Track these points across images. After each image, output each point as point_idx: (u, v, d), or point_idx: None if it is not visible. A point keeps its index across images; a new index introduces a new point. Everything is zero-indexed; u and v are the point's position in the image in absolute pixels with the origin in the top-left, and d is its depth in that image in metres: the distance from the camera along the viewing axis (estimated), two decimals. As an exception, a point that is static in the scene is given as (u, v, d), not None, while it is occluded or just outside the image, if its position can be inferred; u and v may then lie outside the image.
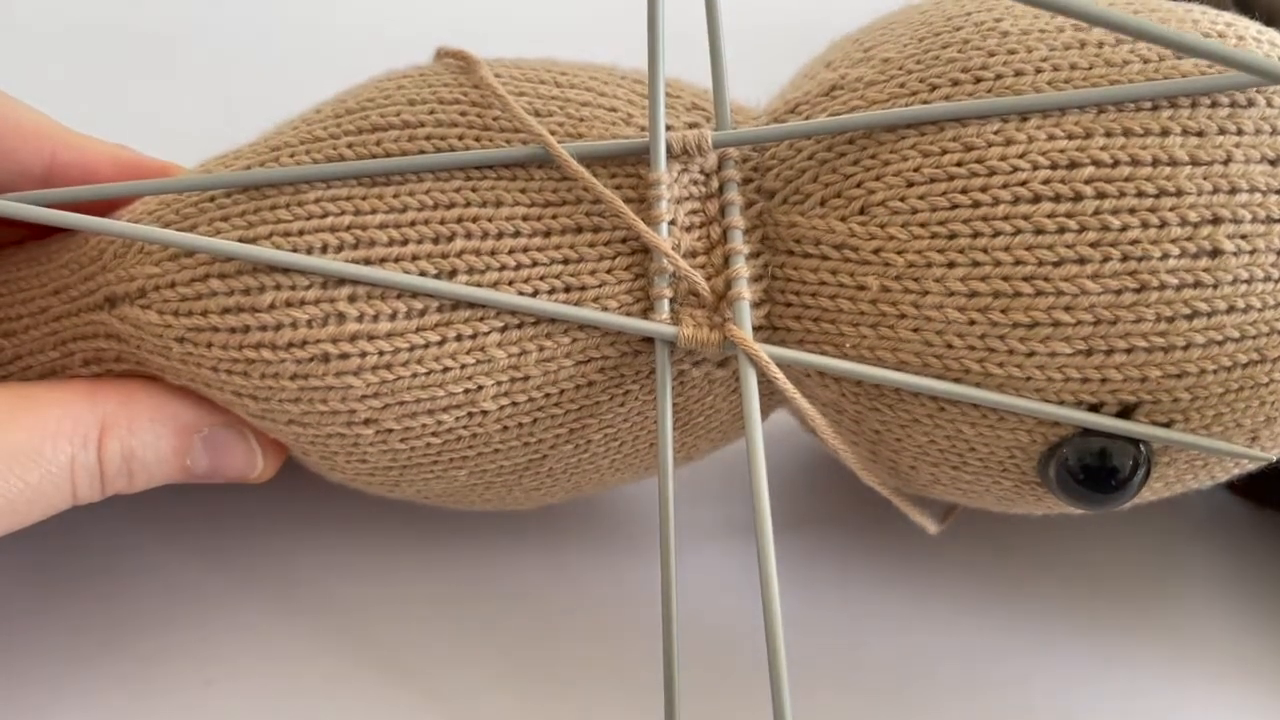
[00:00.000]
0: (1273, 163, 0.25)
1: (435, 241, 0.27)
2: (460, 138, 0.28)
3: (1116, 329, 0.25)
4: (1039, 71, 0.26)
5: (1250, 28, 0.27)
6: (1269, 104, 0.26)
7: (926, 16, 0.29)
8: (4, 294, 0.31)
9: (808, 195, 0.28)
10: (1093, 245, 0.25)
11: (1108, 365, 0.26)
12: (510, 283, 0.27)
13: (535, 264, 0.27)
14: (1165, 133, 0.25)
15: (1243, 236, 0.25)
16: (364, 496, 0.32)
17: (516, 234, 0.27)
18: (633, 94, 0.29)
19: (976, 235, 0.26)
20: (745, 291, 0.27)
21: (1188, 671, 0.32)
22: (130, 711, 0.30)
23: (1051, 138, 0.26)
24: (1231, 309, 0.25)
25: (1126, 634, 0.32)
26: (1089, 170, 0.25)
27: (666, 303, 0.27)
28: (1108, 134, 0.25)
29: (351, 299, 0.27)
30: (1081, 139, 0.25)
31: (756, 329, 0.28)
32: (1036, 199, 0.25)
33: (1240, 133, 0.25)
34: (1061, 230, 0.25)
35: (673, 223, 0.27)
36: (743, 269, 0.27)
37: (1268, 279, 0.25)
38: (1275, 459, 0.28)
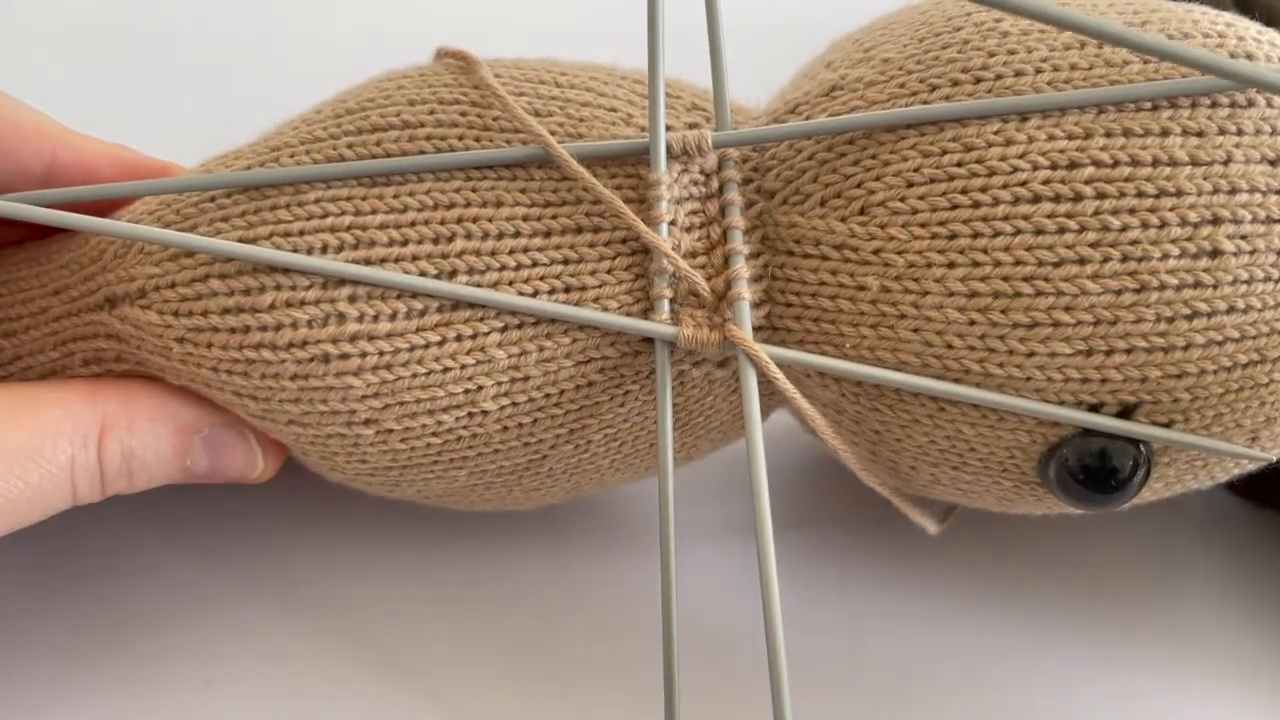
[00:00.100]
0: (1273, 163, 0.25)
1: (435, 242, 0.27)
2: (460, 138, 0.28)
3: (1116, 329, 0.25)
4: (1039, 72, 0.26)
5: (1250, 28, 0.27)
6: (1269, 104, 0.26)
7: (926, 16, 0.29)
8: (4, 294, 0.31)
9: (808, 195, 0.28)
10: (1093, 245, 0.25)
11: (1108, 365, 0.26)
12: (510, 283, 0.27)
13: (535, 264, 0.27)
14: (1165, 133, 0.25)
15: (1243, 237, 0.25)
16: (364, 496, 0.32)
17: (517, 234, 0.27)
18: (633, 94, 0.29)
19: (976, 235, 0.26)
20: (745, 292, 0.27)
21: (1188, 671, 0.32)
22: (130, 711, 0.30)
23: (1051, 138, 0.26)
24: (1231, 309, 0.25)
25: (1126, 634, 0.32)
26: (1089, 170, 0.25)
27: (666, 303, 0.27)
28: (1108, 134, 0.25)
29: (352, 299, 0.27)
30: (1081, 139, 0.25)
31: (756, 329, 0.28)
32: (1036, 199, 0.25)
33: (1240, 133, 0.25)
34: (1061, 230, 0.25)
35: (673, 223, 0.27)
36: (743, 269, 0.27)
37: (1268, 279, 0.25)
38: (1275, 459, 0.28)
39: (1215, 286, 0.25)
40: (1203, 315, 0.25)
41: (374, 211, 0.27)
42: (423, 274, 0.27)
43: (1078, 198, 0.25)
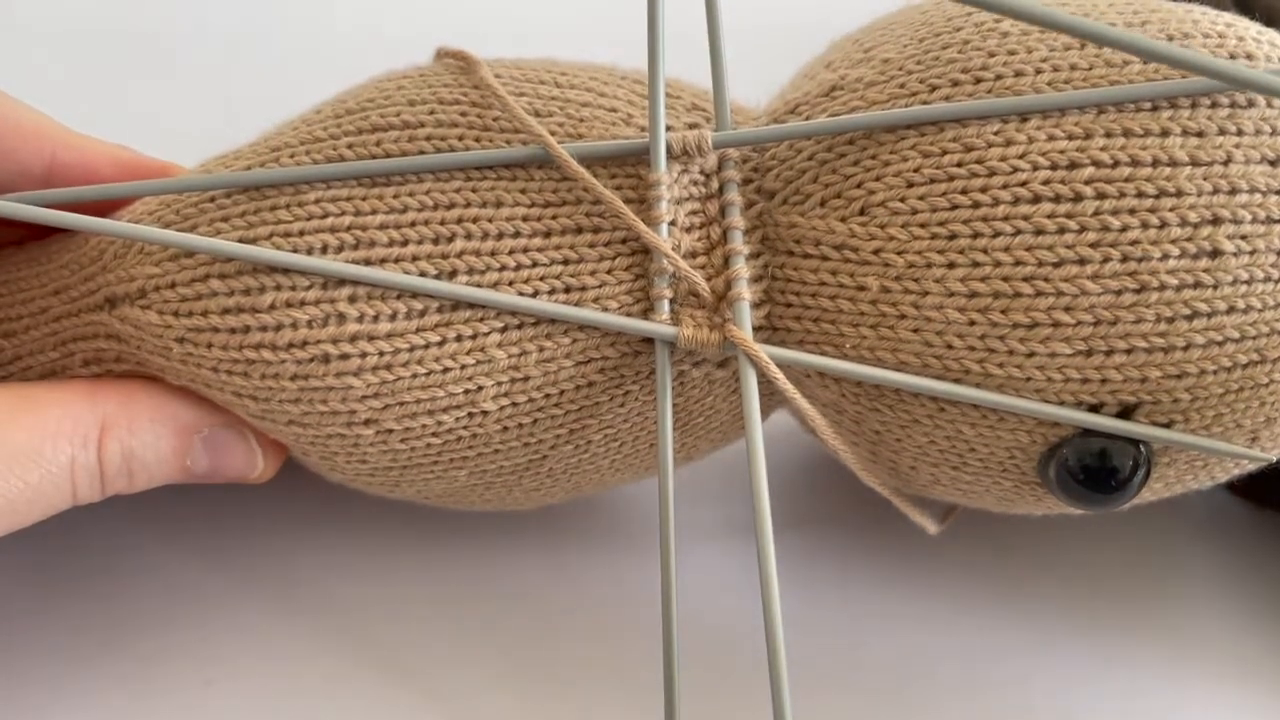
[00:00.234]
0: (1273, 163, 0.25)
1: (435, 242, 0.27)
2: (460, 138, 0.28)
3: (1116, 329, 0.25)
4: (1039, 72, 0.26)
5: (1250, 28, 0.27)
6: (1269, 104, 0.26)
7: (927, 17, 0.29)
8: (4, 294, 0.31)
9: (808, 196, 0.28)
10: (1093, 246, 0.25)
11: (1108, 366, 0.26)
12: (510, 283, 0.27)
13: (535, 264, 0.27)
14: (1165, 133, 0.25)
15: (1243, 237, 0.25)
16: (364, 496, 0.32)
17: (516, 234, 0.27)
18: (633, 94, 0.29)
19: (976, 236, 0.26)
20: (745, 292, 0.27)
21: (1188, 671, 0.32)
22: (130, 711, 0.30)
23: (1051, 138, 0.26)
24: (1231, 309, 0.25)
25: (1126, 634, 0.32)
26: (1089, 171, 0.25)
27: (666, 303, 0.27)
28: (1108, 134, 0.25)
29: (352, 299, 0.27)
30: (1081, 139, 0.25)
31: (756, 329, 0.28)
32: (1036, 199, 0.25)
33: (1240, 133, 0.25)
34: (1061, 231, 0.25)
35: (673, 223, 0.27)
36: (743, 269, 0.27)
37: (1268, 279, 0.25)
38: (1275, 459, 0.28)
39: (1215, 287, 0.25)
40: (1203, 315, 0.25)
41: (374, 212, 0.27)
42: (423, 274, 0.27)
43: (1078, 198, 0.25)
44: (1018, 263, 0.25)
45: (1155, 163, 0.25)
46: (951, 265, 0.26)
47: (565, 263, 0.27)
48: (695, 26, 0.29)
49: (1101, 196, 0.25)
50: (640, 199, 0.28)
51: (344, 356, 0.27)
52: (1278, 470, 0.29)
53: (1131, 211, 0.25)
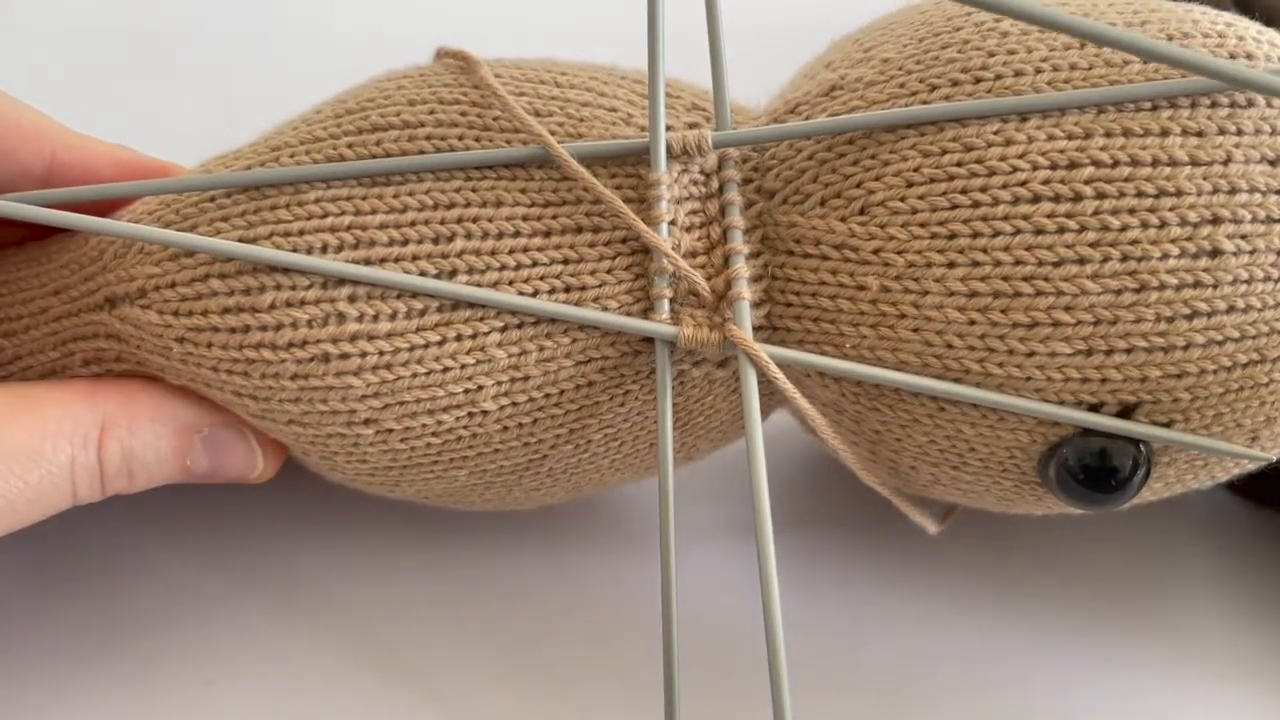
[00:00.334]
0: (1273, 163, 0.25)
1: (435, 241, 0.27)
2: (460, 138, 0.28)
3: (1116, 329, 0.25)
4: (1039, 72, 0.26)
5: (1250, 28, 0.27)
6: (1269, 104, 0.26)
7: (926, 16, 0.29)
8: (4, 294, 0.31)
9: (808, 195, 0.28)
10: (1092, 245, 0.25)
11: (1108, 365, 0.26)
12: (510, 283, 0.27)
13: (535, 264, 0.27)
14: (1165, 133, 0.25)
15: (1243, 236, 0.25)
16: (364, 496, 0.32)
17: (516, 234, 0.27)
18: (633, 94, 0.29)
19: (976, 235, 0.26)
20: (745, 291, 0.27)
21: (1188, 671, 0.32)
22: (130, 711, 0.30)
23: (1051, 138, 0.26)
24: (1231, 309, 0.25)
25: (1126, 634, 0.32)
26: (1089, 170, 0.25)
27: (666, 303, 0.27)
28: (1107, 134, 0.25)
29: (351, 299, 0.27)
30: (1081, 139, 0.25)
31: (756, 329, 0.28)
32: (1036, 199, 0.25)
33: (1240, 133, 0.25)
34: (1061, 230, 0.25)
35: (673, 223, 0.27)
36: (743, 269, 0.27)
37: (1268, 279, 0.25)
38: (1275, 459, 0.28)
39: (1215, 286, 0.25)
40: (1203, 315, 0.25)
41: (374, 211, 0.27)
42: (423, 274, 0.27)
43: (1078, 198, 0.25)
44: (1018, 262, 0.25)
45: (1155, 162, 0.25)
46: (951, 265, 0.26)
47: (565, 262, 0.27)
48: (695, 26, 0.29)
49: (1101, 196, 0.25)
50: (640, 198, 0.28)
51: (344, 356, 0.27)
52: (1278, 470, 0.29)
53: (1131, 211, 0.25)
